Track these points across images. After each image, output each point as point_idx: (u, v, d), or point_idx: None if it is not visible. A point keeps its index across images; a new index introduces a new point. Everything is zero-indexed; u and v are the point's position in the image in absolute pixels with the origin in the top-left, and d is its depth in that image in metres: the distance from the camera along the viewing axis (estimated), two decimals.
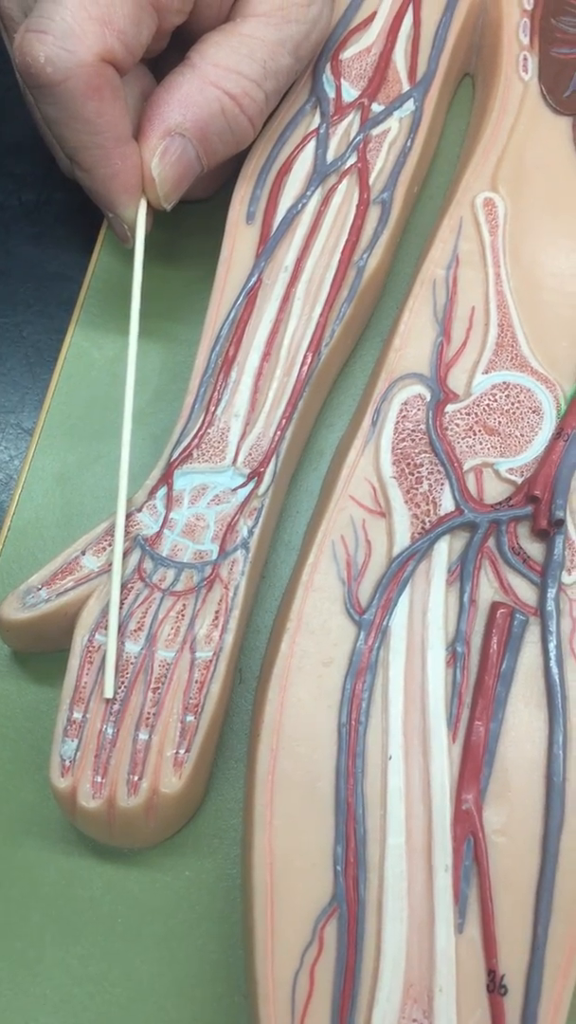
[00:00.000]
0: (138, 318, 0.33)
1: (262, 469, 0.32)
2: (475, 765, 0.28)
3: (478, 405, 0.33)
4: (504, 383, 0.34)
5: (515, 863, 0.27)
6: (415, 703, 0.29)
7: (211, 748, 0.30)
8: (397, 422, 0.33)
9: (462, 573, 0.31)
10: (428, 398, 0.34)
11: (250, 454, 0.33)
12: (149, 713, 0.29)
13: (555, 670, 0.29)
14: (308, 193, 0.36)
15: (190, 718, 0.29)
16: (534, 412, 0.33)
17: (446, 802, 0.28)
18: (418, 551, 0.31)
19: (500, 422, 0.33)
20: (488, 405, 0.33)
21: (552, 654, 0.30)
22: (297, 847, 0.28)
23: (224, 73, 0.33)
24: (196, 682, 0.30)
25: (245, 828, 0.29)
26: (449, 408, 0.33)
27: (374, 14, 0.40)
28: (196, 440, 0.33)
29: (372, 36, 0.39)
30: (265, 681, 0.30)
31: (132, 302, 0.33)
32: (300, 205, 0.36)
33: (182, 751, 0.29)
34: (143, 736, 0.29)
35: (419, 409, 0.33)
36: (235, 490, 0.32)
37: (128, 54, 0.31)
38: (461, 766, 0.29)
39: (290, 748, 0.29)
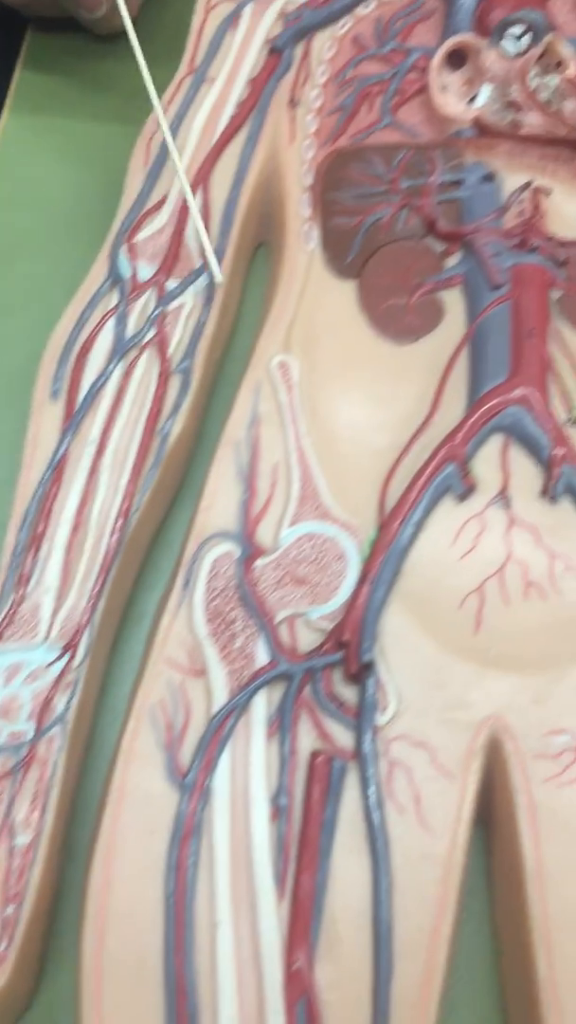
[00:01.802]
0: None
1: (76, 641, 0.33)
2: (304, 921, 0.28)
3: (286, 557, 0.35)
4: (309, 533, 0.35)
5: (347, 1020, 0.27)
6: (241, 863, 0.29)
7: (36, 938, 0.29)
8: (208, 581, 0.34)
9: (281, 724, 0.32)
10: (237, 554, 0.35)
11: (64, 627, 0.33)
12: None
13: (375, 815, 0.30)
14: (110, 368, 0.38)
15: (11, 909, 0.28)
16: (339, 559, 0.35)
17: (276, 965, 0.28)
18: (236, 707, 0.32)
19: (308, 572, 0.34)
20: (296, 556, 0.35)
21: (372, 799, 0.30)
22: None
23: None
24: (15, 870, 0.29)
25: (75, 1018, 0.28)
26: (258, 562, 0.34)
27: (165, 197, 0.42)
28: (7, 619, 0.33)
29: (164, 218, 0.42)
30: (90, 858, 0.30)
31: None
32: (103, 380, 0.38)
33: (3, 945, 0.28)
34: None
35: (229, 566, 0.34)
36: (49, 665, 0.32)
37: None
38: (290, 924, 0.28)
39: (116, 927, 0.28)
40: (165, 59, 0.45)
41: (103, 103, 0.50)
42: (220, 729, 0.31)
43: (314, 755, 0.31)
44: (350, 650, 0.32)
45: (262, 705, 0.32)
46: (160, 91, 0.44)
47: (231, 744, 0.31)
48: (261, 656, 0.33)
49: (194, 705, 0.32)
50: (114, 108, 0.49)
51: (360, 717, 0.32)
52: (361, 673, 0.32)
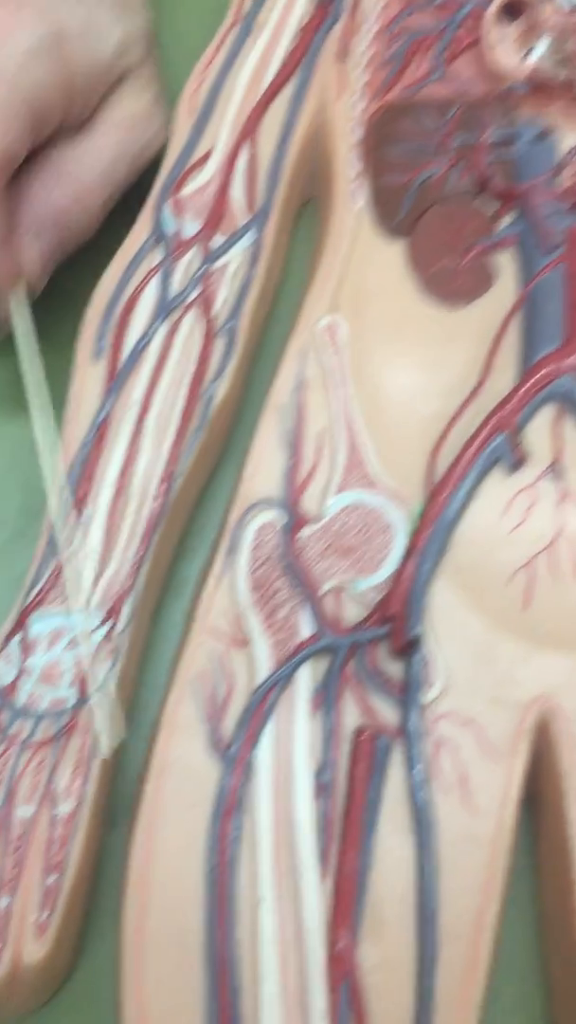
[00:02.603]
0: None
1: (118, 608, 0.32)
2: (347, 901, 0.28)
3: (331, 526, 0.34)
4: (356, 503, 0.34)
5: (390, 1003, 0.27)
6: (284, 840, 0.29)
7: (78, 907, 0.29)
8: (252, 549, 0.33)
9: (325, 699, 0.31)
10: (282, 523, 0.34)
11: (106, 593, 0.32)
12: (10, 877, 0.28)
13: (421, 794, 0.29)
14: (153, 328, 0.37)
15: (53, 878, 0.28)
16: (385, 530, 0.34)
17: (319, 945, 0.27)
18: (280, 680, 0.31)
19: (354, 542, 0.34)
20: (341, 526, 0.34)
21: (417, 778, 0.30)
22: (169, 1006, 0.27)
23: (73, 181, 0.36)
24: (58, 838, 0.29)
25: (117, 991, 0.28)
26: (303, 531, 0.34)
27: (211, 151, 0.41)
28: (50, 583, 0.32)
29: (209, 173, 0.40)
30: (132, 830, 0.29)
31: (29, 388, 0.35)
32: (146, 340, 0.37)
33: (45, 915, 0.28)
34: (3, 902, 0.28)
35: (273, 534, 0.34)
36: (92, 632, 0.32)
37: (8, 167, 0.34)
38: (333, 904, 0.28)
39: (158, 900, 0.28)
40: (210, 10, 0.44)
41: None
42: (263, 702, 0.31)
43: (359, 732, 0.30)
44: (396, 625, 0.32)
45: (306, 678, 0.31)
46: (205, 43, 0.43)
47: (274, 718, 0.31)
48: (305, 628, 0.32)
49: (236, 677, 0.31)
50: None
51: (406, 694, 0.31)
52: (407, 649, 0.31)
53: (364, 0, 0.45)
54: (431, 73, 0.44)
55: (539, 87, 0.42)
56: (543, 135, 0.41)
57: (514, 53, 0.44)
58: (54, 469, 0.34)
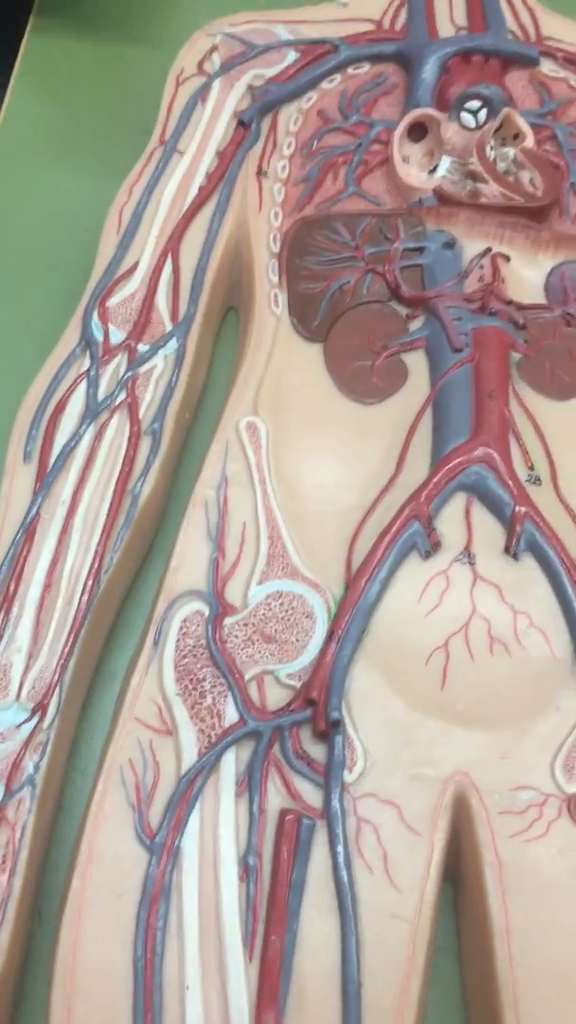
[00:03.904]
0: None
1: (46, 701, 0.33)
2: (272, 982, 0.28)
3: (255, 615, 0.35)
4: (278, 592, 0.36)
5: None
6: (210, 925, 0.29)
7: (5, 1002, 0.29)
8: (178, 639, 0.34)
9: (250, 783, 0.32)
10: (207, 613, 0.35)
11: (34, 687, 0.33)
12: None
13: (344, 873, 0.30)
14: (81, 430, 0.38)
15: None
16: (307, 617, 0.35)
17: None
18: (205, 766, 0.32)
19: (276, 629, 0.35)
20: (264, 614, 0.35)
21: (340, 858, 0.30)
22: None
23: None
24: None
25: None
26: (227, 621, 0.35)
27: (136, 264, 0.43)
28: None
29: (135, 283, 0.43)
30: (58, 920, 0.30)
31: None
32: (74, 441, 0.38)
33: None
34: None
35: (199, 625, 0.35)
36: (19, 726, 0.32)
37: None
38: (259, 985, 0.28)
39: (85, 991, 0.28)
40: (135, 132, 0.47)
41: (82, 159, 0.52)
42: (189, 788, 0.32)
43: (283, 814, 0.31)
44: (318, 708, 0.33)
45: (231, 764, 0.32)
46: (131, 163, 0.46)
47: (200, 803, 0.31)
48: (230, 714, 0.33)
49: (164, 764, 0.32)
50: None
51: (328, 775, 0.32)
52: (329, 731, 0.32)
53: (281, 123, 0.48)
54: (344, 189, 0.47)
55: (445, 200, 0.46)
56: (449, 244, 0.44)
57: (421, 170, 0.47)
58: None
